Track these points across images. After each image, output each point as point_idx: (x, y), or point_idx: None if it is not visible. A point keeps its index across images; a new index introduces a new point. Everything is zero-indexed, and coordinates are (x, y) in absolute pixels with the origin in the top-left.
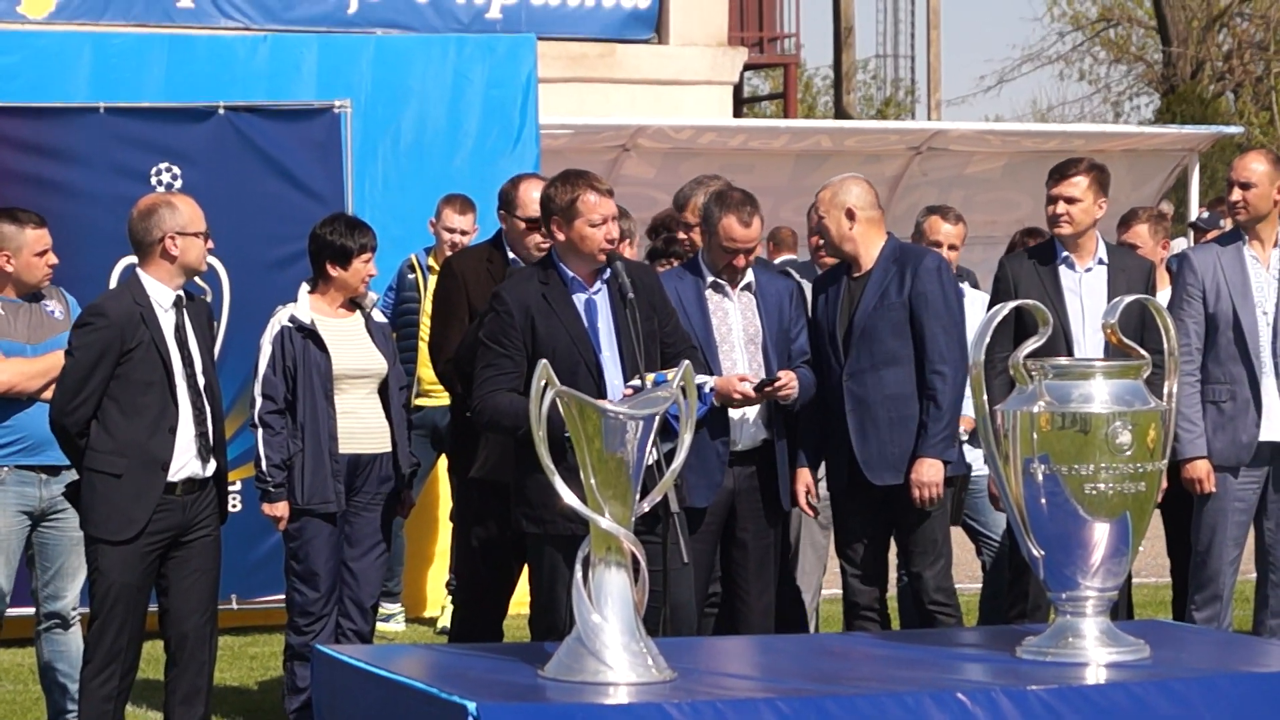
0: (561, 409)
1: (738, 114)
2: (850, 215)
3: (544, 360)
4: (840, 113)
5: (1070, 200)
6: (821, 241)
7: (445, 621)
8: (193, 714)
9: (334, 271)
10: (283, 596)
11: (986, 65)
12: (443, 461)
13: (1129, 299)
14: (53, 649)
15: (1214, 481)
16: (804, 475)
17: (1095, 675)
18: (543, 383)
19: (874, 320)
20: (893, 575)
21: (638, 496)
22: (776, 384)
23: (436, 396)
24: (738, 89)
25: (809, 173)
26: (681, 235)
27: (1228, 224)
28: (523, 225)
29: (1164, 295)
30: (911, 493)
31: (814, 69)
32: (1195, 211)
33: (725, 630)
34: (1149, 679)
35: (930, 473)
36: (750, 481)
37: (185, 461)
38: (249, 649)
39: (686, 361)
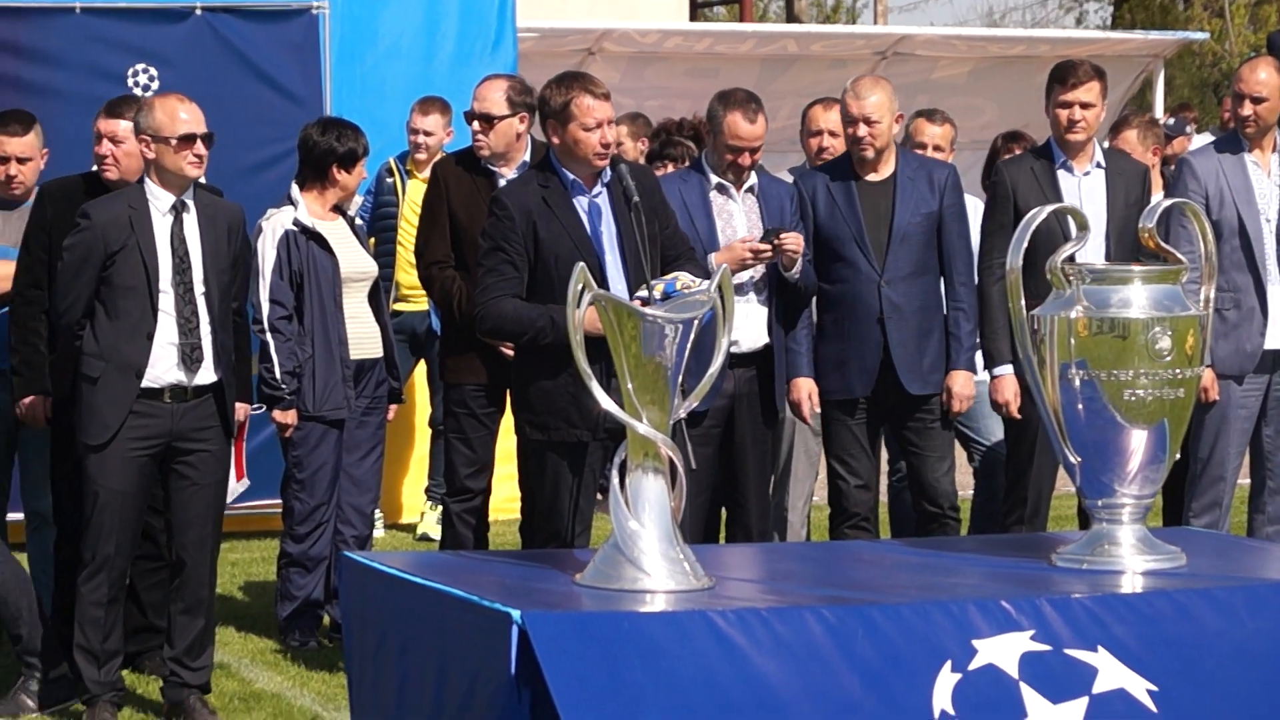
0: (599, 314)
1: (693, 18)
2: (898, 120)
3: (581, 264)
4: (791, 17)
5: (1085, 105)
6: (825, 145)
7: (425, 528)
8: (194, 625)
9: (340, 176)
10: (263, 502)
11: None
12: (420, 367)
13: (1167, 202)
14: (39, 549)
15: (1217, 390)
16: (808, 384)
17: (1134, 583)
18: (580, 286)
19: (915, 228)
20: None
21: (676, 401)
22: (783, 234)
23: (415, 301)
24: None
25: (774, 78)
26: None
27: (1192, 130)
28: (467, 119)
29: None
30: (951, 404)
31: None
32: (1160, 118)
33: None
34: (1191, 587)
35: (966, 384)
36: (750, 385)
37: (166, 369)
38: (229, 555)
39: (725, 265)
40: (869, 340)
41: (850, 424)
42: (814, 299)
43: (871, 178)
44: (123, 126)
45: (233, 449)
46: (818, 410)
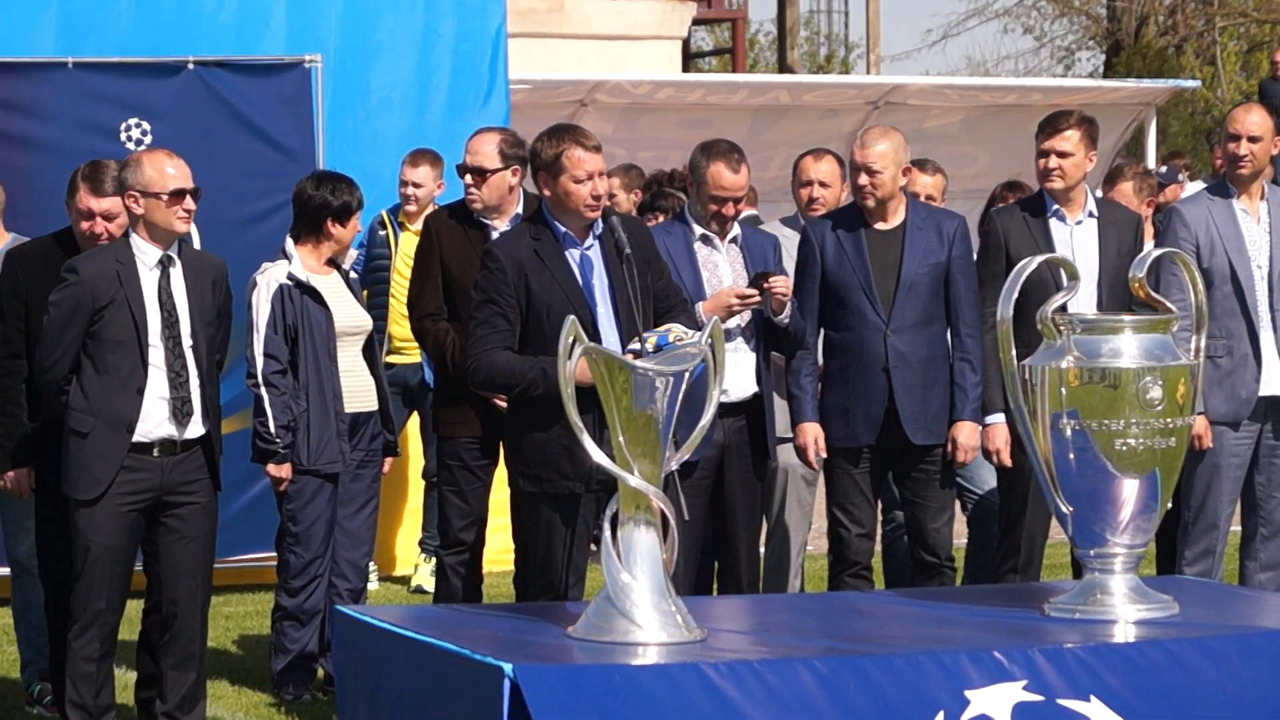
0: (590, 366)
1: (685, 69)
2: (906, 172)
3: (571, 317)
4: (784, 68)
5: (1062, 154)
6: (815, 196)
7: (419, 580)
8: (185, 679)
9: (334, 229)
10: (257, 556)
11: (932, 19)
12: (414, 420)
13: (1157, 251)
14: (18, 600)
15: (1211, 437)
16: (814, 429)
17: (1126, 633)
18: (570, 339)
19: (922, 278)
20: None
21: (667, 454)
22: (771, 277)
23: (408, 354)
24: (686, 44)
25: (766, 128)
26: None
27: (1185, 178)
28: (460, 173)
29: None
30: (955, 455)
31: (756, 24)
32: (1152, 166)
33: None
34: (1184, 636)
35: (972, 435)
36: (740, 435)
37: (157, 423)
38: (223, 609)
39: (715, 318)
40: (874, 389)
41: (854, 472)
42: (820, 346)
43: (880, 226)
44: (109, 204)
45: None
46: (824, 455)
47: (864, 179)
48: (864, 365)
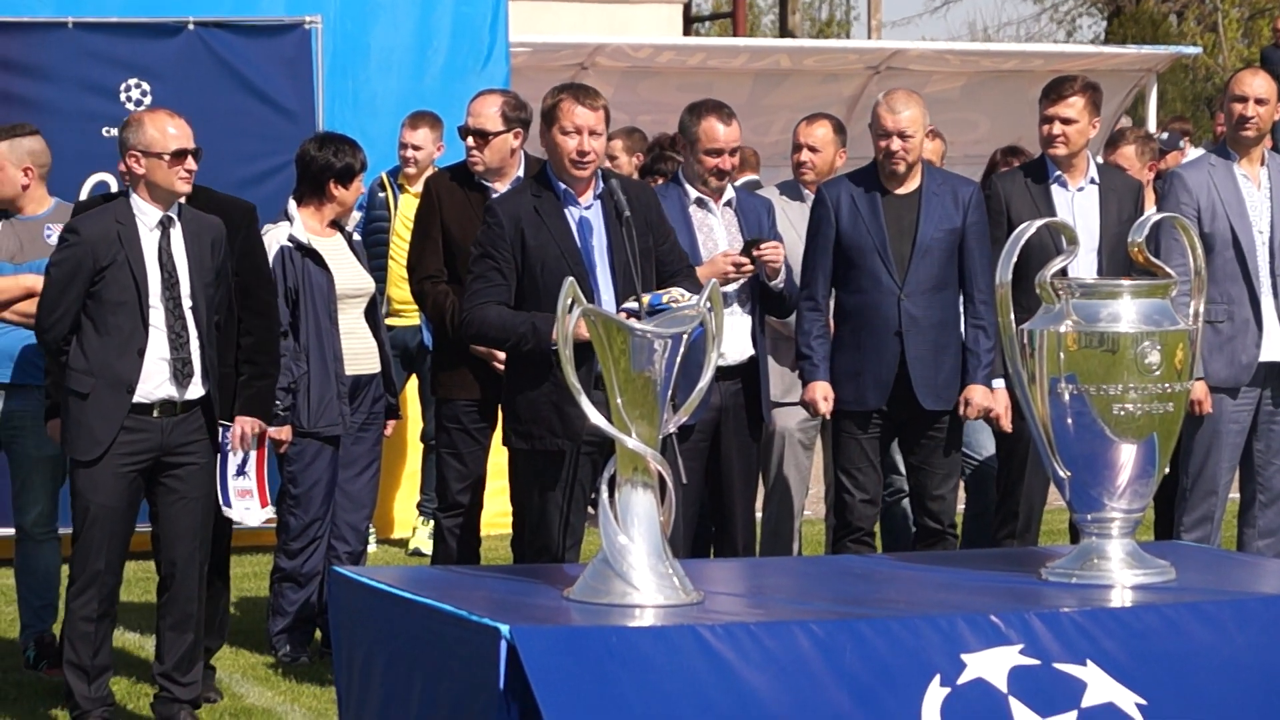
0: (587, 327)
1: (686, 33)
2: (930, 136)
3: (570, 278)
4: (785, 32)
5: (1066, 121)
6: (803, 160)
7: (416, 543)
8: (183, 640)
9: (337, 191)
10: None
11: None
12: (412, 382)
13: (1157, 216)
14: (21, 564)
15: (1210, 403)
16: (824, 387)
17: (1123, 597)
18: (569, 300)
19: (938, 243)
20: None
21: (665, 416)
22: (762, 244)
23: (407, 316)
24: (686, 8)
25: (767, 92)
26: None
27: (1186, 144)
28: (461, 134)
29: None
30: (968, 412)
31: None
32: (1153, 132)
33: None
34: (1180, 601)
35: (985, 397)
36: (736, 398)
37: (157, 384)
38: None
39: (713, 280)
40: (886, 353)
41: (861, 437)
42: (832, 308)
43: (897, 191)
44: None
45: (254, 474)
46: (828, 415)
47: (897, 144)
48: (876, 329)
